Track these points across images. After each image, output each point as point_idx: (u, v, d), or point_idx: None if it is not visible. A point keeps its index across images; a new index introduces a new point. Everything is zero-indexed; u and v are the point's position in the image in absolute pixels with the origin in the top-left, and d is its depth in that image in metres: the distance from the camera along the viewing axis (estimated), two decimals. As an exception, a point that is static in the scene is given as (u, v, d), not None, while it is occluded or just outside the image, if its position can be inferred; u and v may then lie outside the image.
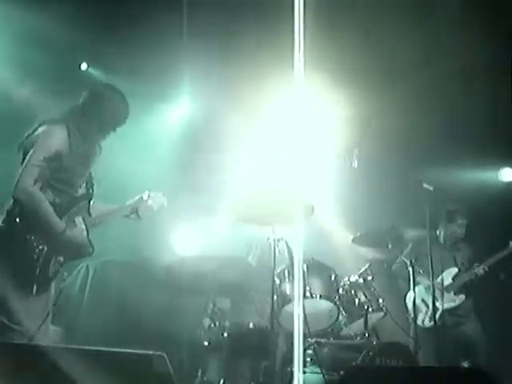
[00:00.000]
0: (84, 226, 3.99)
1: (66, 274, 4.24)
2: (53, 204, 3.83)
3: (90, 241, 4.01)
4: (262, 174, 6.30)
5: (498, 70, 6.37)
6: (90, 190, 4.08)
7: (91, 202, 4.10)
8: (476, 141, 6.75)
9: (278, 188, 4.95)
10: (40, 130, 3.89)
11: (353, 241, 5.79)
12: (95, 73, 7.12)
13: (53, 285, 3.92)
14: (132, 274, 6.33)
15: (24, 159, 3.83)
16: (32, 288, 3.71)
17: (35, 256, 3.73)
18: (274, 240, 4.78)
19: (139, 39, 6.57)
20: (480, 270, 6.11)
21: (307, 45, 3.94)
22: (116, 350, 3.21)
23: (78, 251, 3.95)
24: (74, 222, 3.94)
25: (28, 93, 6.27)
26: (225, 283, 5.36)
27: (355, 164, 5.38)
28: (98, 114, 4.02)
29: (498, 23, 6.01)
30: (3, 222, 3.80)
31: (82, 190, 4.04)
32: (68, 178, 3.91)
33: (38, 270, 3.73)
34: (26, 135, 3.94)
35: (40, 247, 3.75)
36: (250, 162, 6.60)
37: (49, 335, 3.90)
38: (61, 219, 3.87)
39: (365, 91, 6.44)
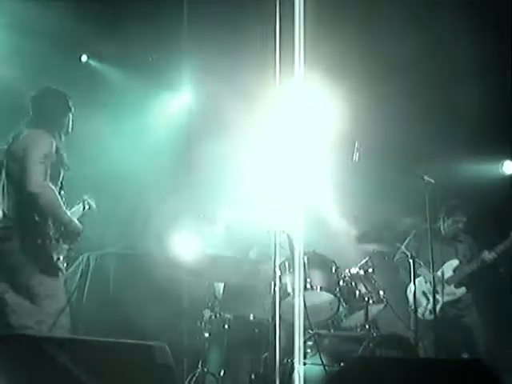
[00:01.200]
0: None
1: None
2: None
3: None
4: (263, 167, 6.29)
5: (498, 64, 6.36)
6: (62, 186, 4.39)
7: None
8: (477, 134, 6.75)
9: (278, 181, 4.95)
10: (25, 133, 4.25)
11: (358, 240, 5.77)
12: (95, 64, 7.11)
13: (63, 268, 4.26)
14: (133, 266, 6.34)
15: (16, 163, 4.15)
16: (55, 272, 4.10)
17: (49, 243, 4.09)
18: (275, 232, 4.78)
19: (140, 29, 6.56)
20: (489, 256, 6.10)
21: (308, 39, 3.94)
22: (117, 340, 3.22)
23: (76, 237, 4.32)
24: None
25: (28, 85, 6.26)
26: (225, 275, 5.37)
27: (356, 158, 5.38)
28: (52, 117, 4.37)
29: (498, 19, 6.00)
30: (12, 225, 4.13)
31: (61, 184, 4.35)
32: (54, 175, 4.22)
33: (51, 255, 4.09)
34: (10, 141, 4.28)
35: (54, 235, 4.12)
36: (251, 155, 6.59)
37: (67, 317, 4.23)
38: None
39: (366, 85, 6.43)
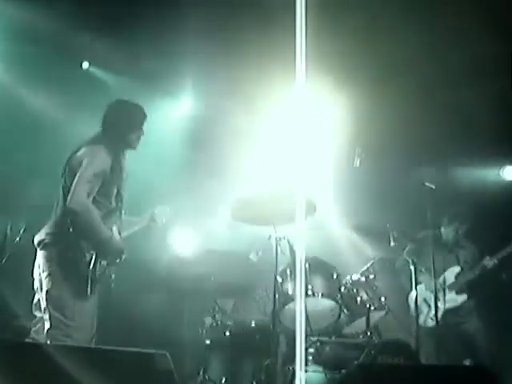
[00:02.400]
0: (119, 234, 4.40)
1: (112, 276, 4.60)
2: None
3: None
4: (265, 172, 6.30)
5: (499, 66, 6.36)
6: (120, 203, 4.45)
7: (122, 213, 4.49)
8: (478, 139, 6.74)
9: (280, 187, 4.95)
10: (83, 150, 4.31)
11: (354, 228, 5.75)
12: (97, 72, 7.11)
13: (98, 286, 4.30)
14: (134, 273, 6.33)
15: (71, 176, 4.21)
16: (86, 289, 4.12)
17: (87, 260, 4.14)
18: (276, 238, 4.78)
19: (141, 37, 6.57)
20: (491, 262, 6.10)
21: (309, 42, 3.94)
22: (118, 348, 3.21)
23: (117, 256, 4.37)
24: (112, 230, 4.34)
25: (29, 92, 6.28)
26: (227, 282, 5.37)
27: (357, 163, 5.38)
28: (122, 133, 4.46)
29: (500, 19, 6.00)
30: (56, 232, 4.20)
31: (116, 203, 4.42)
32: (106, 192, 4.31)
33: (90, 272, 4.14)
34: (68, 157, 4.35)
35: (90, 252, 4.16)
36: (253, 161, 6.60)
37: (82, 331, 4.19)
38: None
39: (367, 89, 6.43)
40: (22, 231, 5.12)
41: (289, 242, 4.87)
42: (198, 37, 6.60)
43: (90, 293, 4.15)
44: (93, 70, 7.09)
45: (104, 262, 4.25)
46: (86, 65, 7.05)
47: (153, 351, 3.08)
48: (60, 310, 4.07)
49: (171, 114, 7.49)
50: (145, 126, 4.53)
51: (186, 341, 5.65)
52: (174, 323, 5.93)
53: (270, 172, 6.21)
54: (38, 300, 4.24)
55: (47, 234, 4.21)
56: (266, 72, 6.26)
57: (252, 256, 5.53)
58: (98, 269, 4.19)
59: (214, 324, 5.16)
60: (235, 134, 6.68)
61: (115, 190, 4.38)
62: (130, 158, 6.52)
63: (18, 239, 5.14)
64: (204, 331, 5.16)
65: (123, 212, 4.50)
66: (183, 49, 6.78)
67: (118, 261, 4.38)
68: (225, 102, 6.91)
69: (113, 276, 6.05)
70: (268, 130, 6.71)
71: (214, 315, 5.22)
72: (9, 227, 5.24)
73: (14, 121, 6.07)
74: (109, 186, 4.31)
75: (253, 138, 6.69)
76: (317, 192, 5.29)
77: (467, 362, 5.86)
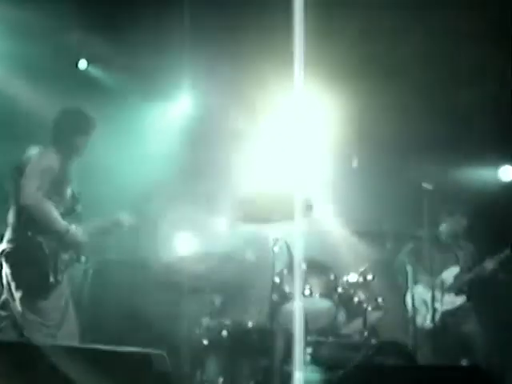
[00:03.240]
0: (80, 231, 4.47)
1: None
2: None
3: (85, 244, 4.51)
4: (262, 172, 6.30)
5: (499, 67, 6.36)
6: (76, 205, 4.56)
7: (78, 215, 4.57)
8: (475, 139, 6.74)
9: (277, 187, 4.95)
10: (31, 151, 4.42)
11: (353, 233, 5.76)
12: (94, 71, 7.10)
13: (64, 279, 4.35)
14: (131, 273, 6.33)
15: (20, 176, 4.27)
16: (49, 279, 4.18)
17: (46, 254, 4.20)
18: (274, 239, 4.78)
19: (139, 36, 6.56)
20: (491, 264, 6.10)
21: (307, 43, 3.95)
22: (115, 348, 3.21)
23: (78, 250, 4.45)
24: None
25: (25, 92, 6.26)
26: (224, 282, 5.37)
27: (355, 164, 5.38)
28: (68, 139, 4.56)
29: (498, 21, 6.00)
30: (14, 238, 4.28)
31: (69, 202, 4.51)
32: (59, 192, 4.39)
33: (51, 263, 4.20)
34: (19, 161, 4.42)
35: (50, 246, 4.23)
36: (250, 161, 6.60)
37: (73, 324, 4.38)
38: None
39: (365, 90, 6.43)
40: None
41: (286, 243, 4.87)
42: (197, 37, 6.60)
43: (54, 284, 4.21)
44: (90, 69, 7.08)
45: (66, 256, 4.32)
46: (83, 64, 7.04)
47: (150, 351, 3.07)
48: (36, 312, 4.18)
49: (169, 114, 7.48)
50: (93, 134, 4.66)
51: (183, 341, 5.63)
52: (171, 323, 5.92)
53: (268, 172, 6.21)
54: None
55: (7, 242, 4.28)
56: (265, 72, 6.26)
57: (249, 256, 5.53)
58: (59, 262, 4.25)
59: (212, 324, 5.16)
60: (233, 135, 6.68)
61: (69, 191, 4.47)
62: (129, 157, 6.57)
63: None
64: (201, 331, 5.16)
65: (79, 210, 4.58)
66: (181, 49, 6.78)
67: (82, 257, 4.47)
68: (223, 103, 6.90)
69: (90, 271, 6.09)
70: (266, 130, 6.71)
71: (212, 315, 5.22)
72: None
73: (11, 120, 6.06)
74: (60, 185, 4.38)
75: (251, 138, 6.69)
76: (314, 192, 5.29)
77: (464, 363, 5.87)
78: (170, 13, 6.51)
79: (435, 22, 6.10)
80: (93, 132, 4.65)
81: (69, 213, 4.46)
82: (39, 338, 4.10)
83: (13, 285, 4.23)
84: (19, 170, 4.32)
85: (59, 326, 4.23)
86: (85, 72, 7.05)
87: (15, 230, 4.27)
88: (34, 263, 4.19)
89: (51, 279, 4.17)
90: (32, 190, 4.15)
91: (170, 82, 7.18)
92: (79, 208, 4.56)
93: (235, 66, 6.57)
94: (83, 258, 4.51)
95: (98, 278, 6.27)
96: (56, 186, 4.34)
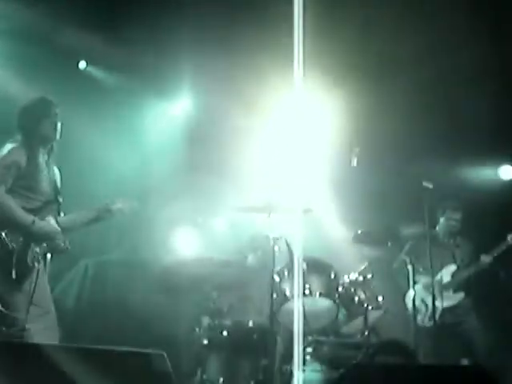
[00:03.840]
0: (55, 222, 4.39)
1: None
2: (22, 207, 4.26)
3: (64, 236, 4.41)
4: (263, 170, 6.30)
5: (499, 66, 6.36)
6: (58, 196, 4.47)
7: (60, 205, 4.47)
8: (475, 138, 6.74)
9: (278, 186, 4.95)
10: (3, 148, 4.38)
11: (353, 239, 5.79)
12: (94, 71, 7.10)
13: (35, 272, 4.24)
14: (131, 273, 6.33)
15: None
16: (11, 273, 4.10)
17: (10, 249, 4.13)
18: (274, 238, 4.78)
19: (139, 36, 6.56)
20: (487, 259, 6.10)
21: (307, 41, 3.94)
22: (115, 348, 3.20)
23: (53, 243, 4.35)
24: (45, 219, 4.34)
25: (25, 91, 6.25)
26: (224, 282, 5.36)
27: (355, 162, 5.37)
28: (32, 128, 4.45)
29: (498, 20, 6.00)
30: None
31: (48, 196, 4.41)
32: (29, 186, 4.32)
33: (14, 258, 4.13)
34: None
35: (15, 240, 4.16)
36: (250, 159, 6.60)
37: (38, 320, 4.22)
38: None
39: (365, 89, 6.43)
40: None
41: (286, 242, 4.87)
42: (196, 36, 6.60)
43: (20, 278, 4.15)
44: (90, 69, 7.08)
45: (37, 249, 4.24)
46: (83, 64, 7.04)
47: (150, 351, 3.07)
48: (4, 305, 4.14)
49: (169, 113, 7.48)
50: (54, 113, 4.48)
51: (183, 341, 5.63)
52: (171, 323, 5.92)
53: (268, 171, 6.21)
54: None
55: None
56: (265, 71, 6.26)
57: (250, 256, 5.53)
58: (28, 256, 4.19)
59: (212, 324, 5.15)
60: (233, 134, 6.68)
61: (42, 184, 4.36)
62: (130, 156, 6.57)
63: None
64: (201, 331, 5.15)
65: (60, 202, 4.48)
66: (181, 48, 6.78)
67: (58, 251, 4.37)
68: (223, 102, 6.90)
69: (90, 272, 6.04)
70: (266, 129, 6.71)
71: (212, 315, 5.21)
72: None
73: (10, 121, 6.06)
74: (30, 179, 4.31)
75: (251, 137, 6.69)
76: (314, 191, 5.29)
77: (465, 362, 5.87)
78: (170, 12, 6.51)
79: (435, 19, 6.10)
80: (55, 114, 4.50)
81: (49, 204, 4.41)
82: (11, 331, 4.09)
83: None
84: None
85: (30, 320, 4.15)
86: (85, 72, 7.05)
87: None
88: None
89: (13, 275, 4.11)
90: None
91: (170, 81, 7.18)
92: (61, 199, 4.47)
93: (235, 64, 6.57)
94: (63, 247, 4.40)
95: (97, 277, 6.28)
96: (26, 180, 4.29)
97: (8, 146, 4.36)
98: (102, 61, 7.01)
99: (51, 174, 4.50)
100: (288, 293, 4.99)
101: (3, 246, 4.14)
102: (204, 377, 4.95)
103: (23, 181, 4.28)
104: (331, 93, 6.29)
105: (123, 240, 6.75)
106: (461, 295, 6.21)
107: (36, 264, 4.26)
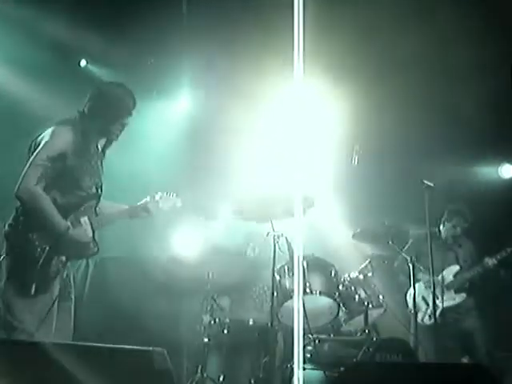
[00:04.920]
0: (90, 226, 4.01)
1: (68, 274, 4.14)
2: (58, 204, 3.85)
3: (95, 240, 4.04)
4: (263, 169, 6.30)
5: (498, 66, 6.36)
6: (99, 191, 4.07)
7: (99, 203, 4.09)
8: (476, 137, 6.74)
9: (278, 184, 4.95)
10: (49, 130, 3.92)
11: (353, 237, 5.80)
12: (94, 69, 7.10)
13: (55, 284, 3.89)
14: (132, 271, 6.34)
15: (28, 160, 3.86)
16: (31, 288, 3.73)
17: (36, 255, 3.76)
18: (274, 236, 4.79)
19: (139, 35, 6.56)
20: (491, 262, 6.10)
21: (307, 40, 3.93)
22: (116, 346, 3.21)
23: (81, 251, 3.98)
24: (80, 222, 3.95)
25: (27, 90, 6.27)
26: (225, 280, 5.37)
27: (355, 161, 5.38)
28: (103, 115, 4.04)
29: (499, 20, 6.00)
30: (12, 220, 3.86)
31: (90, 191, 4.01)
32: (74, 179, 3.91)
33: (37, 269, 3.75)
34: (36, 135, 3.97)
35: (42, 246, 3.77)
36: (251, 158, 6.60)
37: (50, 334, 3.86)
38: (66, 219, 3.88)
39: (365, 88, 6.43)
40: None
41: (287, 240, 4.88)
42: (197, 35, 6.61)
43: (38, 292, 3.74)
44: (91, 68, 7.09)
45: (63, 258, 3.85)
46: (83, 63, 7.05)
47: (151, 349, 3.07)
48: (7, 308, 3.77)
49: (170, 112, 7.49)
50: (133, 115, 4.11)
51: (184, 338, 5.64)
52: (172, 321, 5.93)
53: (268, 169, 6.22)
54: None
55: (9, 226, 3.85)
56: (265, 70, 6.26)
57: (249, 253, 5.54)
58: (53, 265, 3.79)
59: (212, 322, 5.16)
60: (234, 132, 6.68)
61: (86, 178, 3.94)
62: (129, 157, 6.57)
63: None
64: (202, 329, 5.17)
65: (100, 201, 4.08)
66: (181, 47, 6.79)
67: (84, 257, 4.05)
68: (223, 100, 6.91)
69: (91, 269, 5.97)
70: (266, 127, 6.71)
71: (212, 313, 5.22)
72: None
73: (12, 120, 6.07)
74: (74, 171, 3.87)
75: (251, 135, 6.69)
76: (315, 190, 5.29)
77: (465, 360, 5.88)
78: (170, 11, 6.52)
79: (435, 20, 6.10)
80: (130, 116, 4.09)
81: (87, 201, 3.98)
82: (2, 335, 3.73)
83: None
84: (30, 152, 3.89)
85: (28, 332, 3.74)
86: (85, 70, 7.06)
87: (14, 217, 3.84)
88: (19, 259, 3.77)
89: (32, 286, 3.71)
90: (30, 182, 3.73)
91: (171, 79, 7.19)
92: (98, 197, 4.03)
93: (235, 63, 6.58)
94: (92, 252, 4.02)
95: (98, 275, 6.28)
96: (69, 174, 3.85)
97: (58, 129, 3.87)
98: (103, 59, 7.02)
99: (98, 167, 4.05)
100: (288, 291, 5.00)
101: (31, 250, 3.75)
102: (205, 374, 4.97)
103: (67, 175, 3.86)
104: (331, 92, 6.30)
105: (124, 238, 6.76)
106: (462, 295, 6.22)
107: (58, 275, 3.85)
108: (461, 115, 6.70)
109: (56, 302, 3.85)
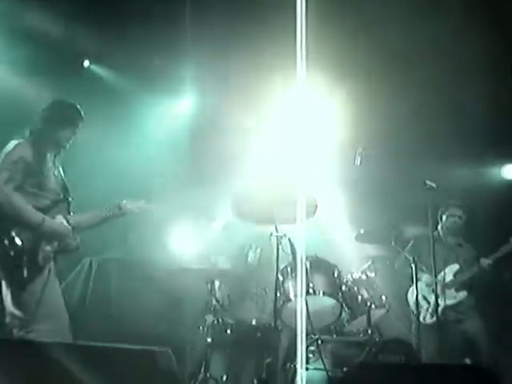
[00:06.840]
0: (66, 222, 4.33)
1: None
2: (31, 204, 4.18)
3: (75, 235, 4.37)
4: (266, 170, 6.31)
5: (501, 65, 6.36)
6: (66, 194, 4.42)
7: (69, 204, 4.44)
8: (479, 137, 6.74)
9: (281, 185, 4.96)
10: (8, 146, 4.30)
11: (356, 238, 5.81)
12: (98, 70, 7.12)
13: (46, 272, 4.19)
14: (134, 271, 6.35)
15: None
16: (23, 273, 4.06)
17: (21, 246, 4.07)
18: (277, 237, 4.79)
19: (142, 35, 6.57)
20: (486, 262, 6.11)
21: (309, 39, 3.94)
22: (120, 346, 3.22)
23: (64, 242, 4.30)
24: (55, 218, 4.29)
25: (30, 91, 6.27)
26: (228, 280, 5.38)
27: (358, 162, 5.38)
28: (51, 131, 4.42)
29: (502, 20, 5.99)
30: None
31: (56, 195, 4.36)
32: (40, 183, 4.26)
33: (25, 257, 4.08)
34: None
35: (24, 237, 4.08)
36: (253, 159, 6.61)
37: (47, 321, 4.14)
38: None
39: (368, 87, 6.43)
40: None
41: (290, 240, 4.88)
42: (200, 34, 6.61)
43: (30, 277, 4.09)
44: (94, 68, 7.10)
45: (48, 248, 4.18)
46: (86, 63, 7.06)
47: (154, 348, 3.08)
48: (15, 304, 4.10)
49: (172, 111, 7.50)
50: (78, 125, 4.49)
51: (187, 339, 5.65)
52: (175, 321, 5.94)
53: (271, 170, 6.22)
54: None
55: None
56: (267, 69, 6.27)
57: (250, 254, 5.54)
58: (39, 255, 4.12)
59: (216, 322, 5.17)
60: (237, 132, 6.69)
61: (50, 182, 4.30)
62: (130, 157, 6.58)
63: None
64: (205, 329, 5.17)
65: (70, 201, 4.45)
66: (185, 47, 6.80)
67: (69, 250, 4.33)
68: (227, 100, 6.92)
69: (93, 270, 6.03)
70: (269, 127, 6.72)
71: (216, 313, 5.23)
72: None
73: (15, 119, 6.07)
74: (39, 176, 4.24)
75: (254, 135, 6.70)
76: (318, 190, 5.29)
77: (467, 360, 5.87)
78: (174, 10, 6.52)
79: (439, 18, 6.10)
80: (79, 126, 4.50)
81: (59, 203, 4.34)
82: (18, 332, 4.07)
83: None
84: None
85: (38, 320, 4.10)
86: (89, 70, 7.07)
87: None
88: (4, 254, 4.05)
89: (24, 275, 4.06)
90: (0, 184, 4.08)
91: (174, 79, 7.20)
92: (70, 198, 4.42)
93: (238, 63, 6.58)
94: (74, 246, 4.36)
95: (101, 275, 6.29)
96: (35, 177, 4.21)
97: (13, 143, 4.27)
98: (106, 59, 7.03)
99: (59, 172, 4.44)
100: (291, 291, 5.01)
101: (13, 245, 4.06)
102: (208, 374, 4.98)
103: (32, 178, 4.20)
104: (334, 92, 6.30)
105: (126, 238, 6.77)
106: (463, 294, 6.22)
107: (47, 263, 4.19)
108: (463, 115, 6.70)
109: (45, 287, 4.14)
